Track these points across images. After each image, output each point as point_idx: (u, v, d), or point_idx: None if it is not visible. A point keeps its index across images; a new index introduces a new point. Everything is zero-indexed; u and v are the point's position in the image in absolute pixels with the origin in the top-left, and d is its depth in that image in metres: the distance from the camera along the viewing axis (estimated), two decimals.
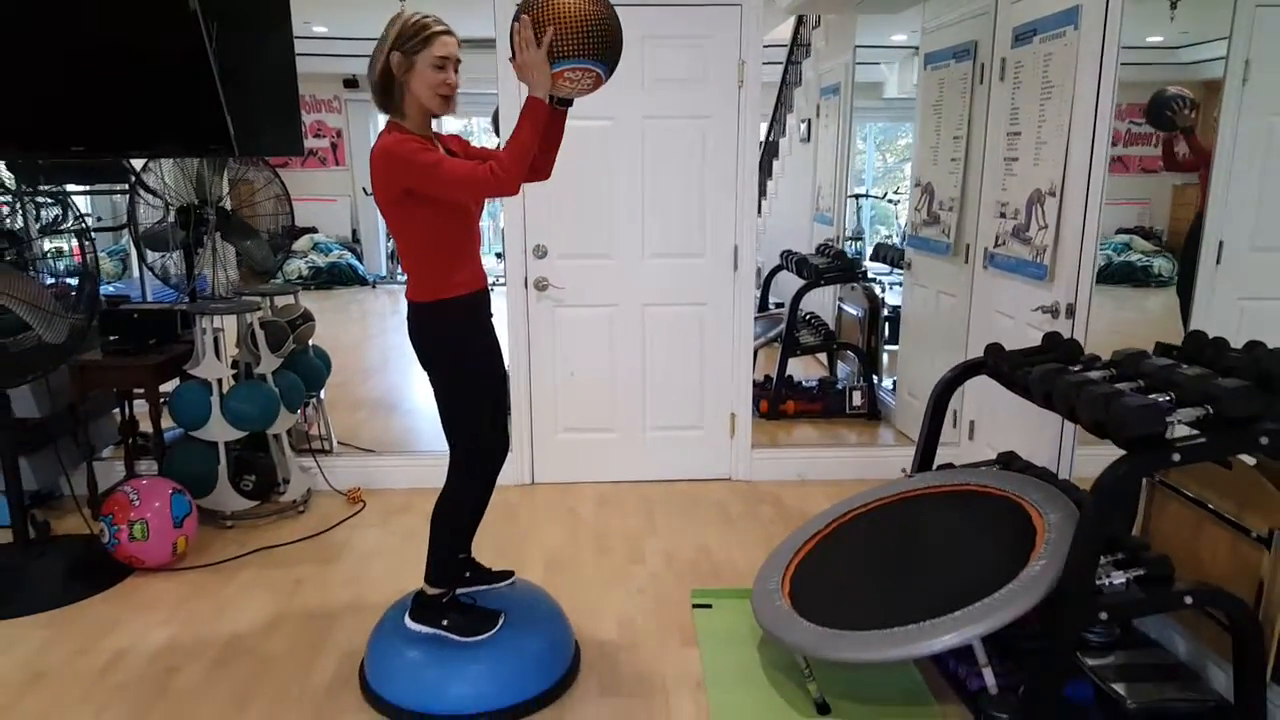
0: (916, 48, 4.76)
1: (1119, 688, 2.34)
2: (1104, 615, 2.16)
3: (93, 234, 3.33)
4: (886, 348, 5.51)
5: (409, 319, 2.42)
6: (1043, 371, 2.45)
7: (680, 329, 4.22)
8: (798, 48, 7.44)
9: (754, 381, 4.38)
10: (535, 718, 2.50)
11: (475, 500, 2.63)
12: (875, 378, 5.33)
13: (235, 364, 3.86)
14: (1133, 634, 2.64)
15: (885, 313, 5.45)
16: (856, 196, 7.48)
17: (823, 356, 5.94)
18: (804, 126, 7.05)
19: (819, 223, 6.61)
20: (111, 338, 3.75)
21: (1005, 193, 3.66)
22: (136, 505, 3.29)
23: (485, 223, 2.70)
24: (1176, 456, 2.09)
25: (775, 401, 5.13)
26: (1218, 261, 3.29)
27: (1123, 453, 2.15)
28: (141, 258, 4.18)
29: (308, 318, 4.28)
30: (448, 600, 2.58)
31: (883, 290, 5.71)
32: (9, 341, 3.14)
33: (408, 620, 2.58)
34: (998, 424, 3.75)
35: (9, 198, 3.18)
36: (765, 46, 4.00)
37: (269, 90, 3.65)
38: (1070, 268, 3.17)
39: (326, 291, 9.38)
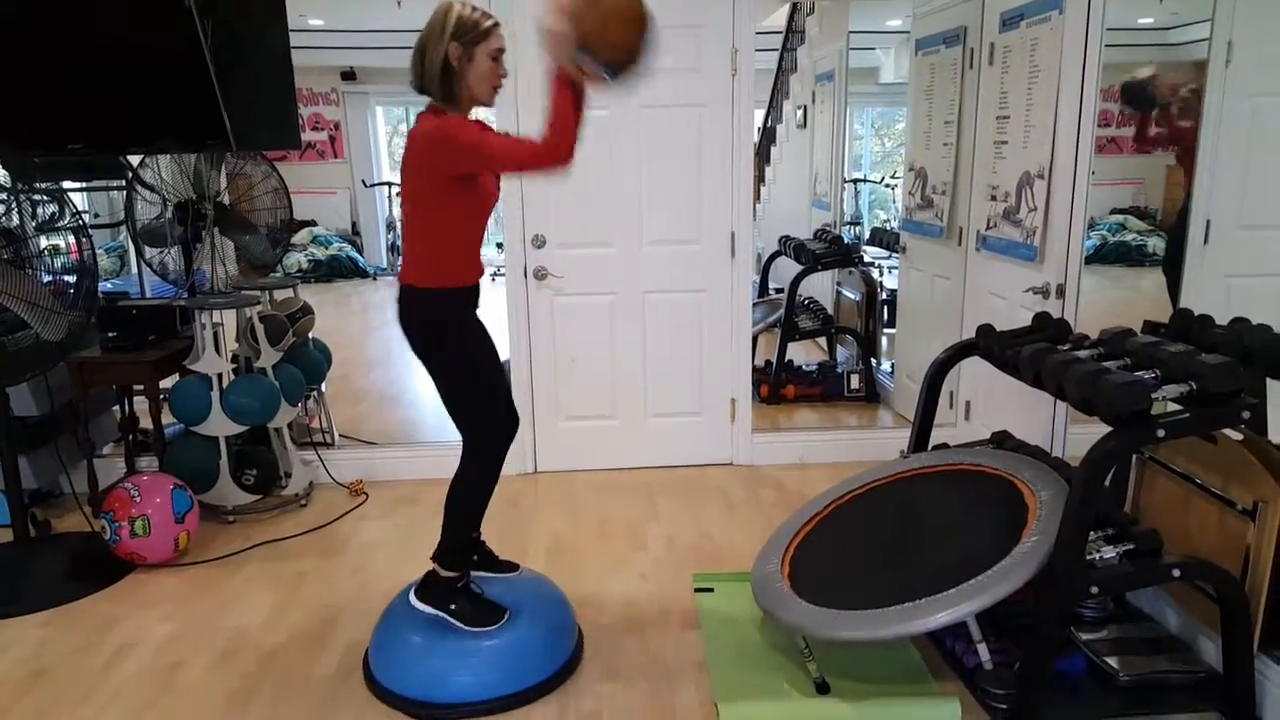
0: (909, 33, 4.77)
1: (1111, 661, 2.38)
2: (1095, 589, 2.18)
3: (90, 230, 3.34)
4: (885, 331, 5.53)
5: (400, 302, 2.43)
6: (1032, 351, 2.48)
7: (680, 316, 4.25)
8: (792, 34, 7.45)
9: (754, 366, 4.40)
10: (539, 704, 2.52)
11: (489, 478, 2.59)
12: (873, 361, 5.36)
13: (235, 358, 3.86)
14: (1126, 608, 2.68)
15: (883, 296, 5.48)
16: (854, 181, 7.50)
17: (822, 341, 5.96)
18: (800, 113, 7.06)
19: (817, 208, 6.63)
20: (110, 334, 3.74)
21: (996, 176, 3.68)
22: (138, 502, 3.30)
23: None
24: (1161, 432, 2.12)
25: (775, 386, 5.16)
26: (1205, 240, 3.31)
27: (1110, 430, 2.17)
28: (140, 254, 4.18)
29: (307, 311, 4.28)
30: (461, 585, 2.58)
31: (880, 274, 5.74)
32: (7, 340, 3.15)
33: (413, 598, 2.57)
34: (993, 404, 3.78)
35: (4, 195, 3.19)
36: (760, 34, 4.01)
37: (265, 84, 3.65)
38: (1059, 249, 3.20)
39: (327, 284, 9.39)
